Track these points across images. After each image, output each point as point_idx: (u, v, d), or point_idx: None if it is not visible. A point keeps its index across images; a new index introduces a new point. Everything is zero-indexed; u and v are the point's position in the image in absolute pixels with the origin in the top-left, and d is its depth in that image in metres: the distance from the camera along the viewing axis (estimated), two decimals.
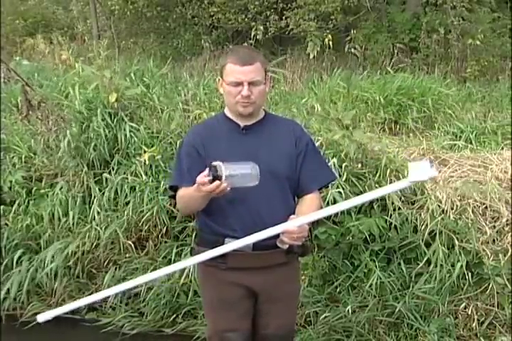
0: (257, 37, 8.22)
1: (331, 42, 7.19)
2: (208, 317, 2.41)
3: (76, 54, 6.34)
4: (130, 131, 4.10)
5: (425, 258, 3.40)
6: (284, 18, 8.90)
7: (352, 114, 4.22)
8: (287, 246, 2.12)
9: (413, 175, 1.86)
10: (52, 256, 3.78)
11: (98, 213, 3.89)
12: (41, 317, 2.19)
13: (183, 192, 2.19)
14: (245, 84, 2.12)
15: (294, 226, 2.02)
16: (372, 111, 5.17)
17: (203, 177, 1.96)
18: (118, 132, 4.09)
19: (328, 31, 8.17)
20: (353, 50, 7.81)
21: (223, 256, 2.18)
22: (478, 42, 7.59)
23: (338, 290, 3.49)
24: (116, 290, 2.27)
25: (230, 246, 2.09)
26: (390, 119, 5.16)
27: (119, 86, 4.16)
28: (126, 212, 3.82)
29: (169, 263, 3.69)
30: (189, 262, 2.30)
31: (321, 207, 2.32)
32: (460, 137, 4.89)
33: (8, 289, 3.82)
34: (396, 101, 5.21)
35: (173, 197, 2.31)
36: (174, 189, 2.27)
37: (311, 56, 7.46)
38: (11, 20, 11.34)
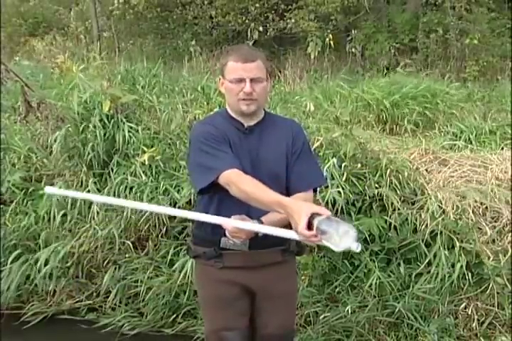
0: (254, 37, 8.24)
1: (331, 42, 7.18)
2: (205, 316, 2.40)
3: (73, 55, 6.33)
4: (129, 132, 4.10)
5: (425, 259, 3.40)
6: (284, 19, 8.93)
7: (350, 108, 4.20)
8: (231, 242, 2.14)
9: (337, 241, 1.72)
10: (47, 259, 3.76)
11: (97, 213, 3.88)
12: (48, 189, 2.35)
13: (250, 184, 1.98)
14: (247, 80, 2.10)
15: (230, 224, 2.03)
16: (372, 111, 5.16)
17: (308, 231, 1.73)
18: (116, 133, 4.08)
19: (328, 31, 8.19)
20: (353, 49, 7.81)
21: (220, 255, 2.20)
22: (476, 42, 7.59)
23: (337, 290, 3.48)
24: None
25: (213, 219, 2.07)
26: (391, 120, 5.16)
27: (114, 95, 4.11)
28: (125, 212, 3.81)
29: (169, 262, 3.69)
30: (184, 214, 2.28)
31: None
32: (460, 137, 4.89)
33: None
34: (395, 101, 5.20)
35: (203, 191, 2.15)
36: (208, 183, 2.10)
37: (312, 56, 7.47)
38: (13, 20, 11.36)
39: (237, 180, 2.02)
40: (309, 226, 1.74)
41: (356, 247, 1.71)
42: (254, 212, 2.09)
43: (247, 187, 1.98)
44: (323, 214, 1.74)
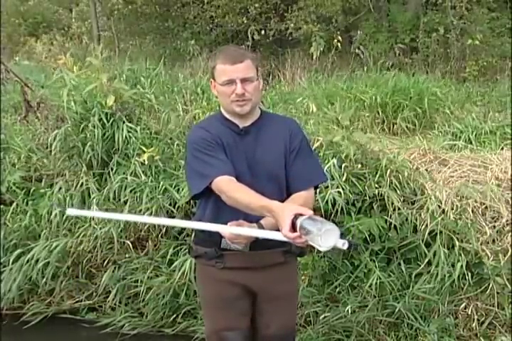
0: (254, 37, 8.24)
1: (339, 44, 7.16)
2: (205, 316, 2.40)
3: (73, 56, 6.32)
4: (128, 132, 4.10)
5: (425, 259, 3.40)
6: (284, 20, 8.93)
7: (350, 113, 4.20)
8: (230, 245, 2.14)
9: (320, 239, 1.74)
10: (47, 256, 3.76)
11: None
12: (70, 211, 2.53)
13: (240, 191, 2.01)
14: (238, 81, 2.09)
15: (227, 230, 2.03)
16: (371, 111, 5.17)
17: (293, 233, 1.78)
18: (116, 132, 4.08)
19: (328, 32, 8.19)
20: (357, 50, 7.81)
21: (221, 255, 2.20)
22: (477, 42, 7.59)
23: (337, 290, 3.48)
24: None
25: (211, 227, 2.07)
26: (389, 120, 5.16)
27: (117, 89, 4.11)
28: (125, 212, 3.81)
29: (168, 262, 3.69)
30: (182, 224, 2.34)
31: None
32: (460, 137, 4.89)
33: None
34: (393, 101, 5.20)
35: (198, 196, 2.18)
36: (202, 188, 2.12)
37: (314, 56, 7.46)
38: (13, 21, 11.38)
39: (227, 189, 2.04)
40: (294, 228, 1.75)
41: (342, 244, 1.71)
42: (252, 215, 2.08)
43: (237, 195, 2.01)
44: (306, 214, 1.74)
